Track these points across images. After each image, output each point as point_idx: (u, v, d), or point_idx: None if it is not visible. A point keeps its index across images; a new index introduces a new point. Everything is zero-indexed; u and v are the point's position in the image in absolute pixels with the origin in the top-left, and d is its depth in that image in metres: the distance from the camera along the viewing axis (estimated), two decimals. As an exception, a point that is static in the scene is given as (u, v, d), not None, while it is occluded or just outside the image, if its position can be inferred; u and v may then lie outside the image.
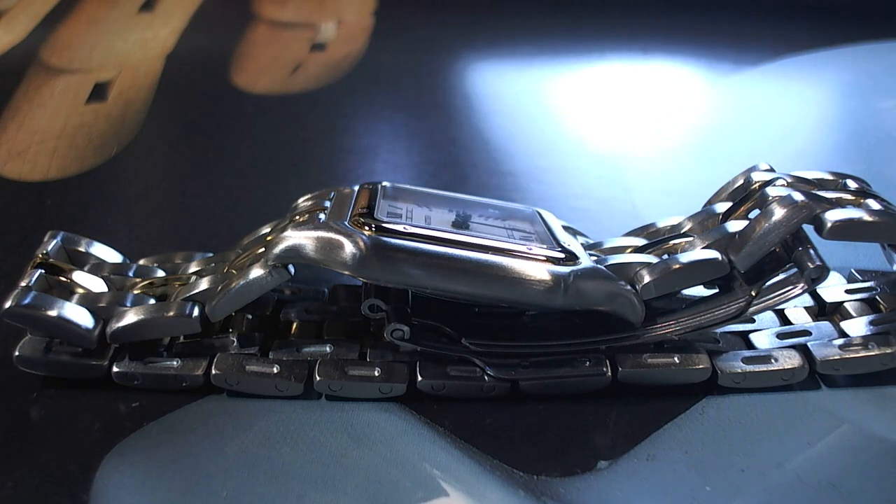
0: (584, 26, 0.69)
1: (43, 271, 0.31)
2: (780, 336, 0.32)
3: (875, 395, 0.30)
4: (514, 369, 0.30)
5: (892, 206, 0.31)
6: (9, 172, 0.47)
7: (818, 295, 0.33)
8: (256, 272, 0.29)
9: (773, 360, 0.30)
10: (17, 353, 0.30)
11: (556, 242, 0.30)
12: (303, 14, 0.72)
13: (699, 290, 0.31)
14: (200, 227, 0.42)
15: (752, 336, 0.32)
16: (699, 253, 0.30)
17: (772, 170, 0.32)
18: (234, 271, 0.31)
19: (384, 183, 0.34)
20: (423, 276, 0.28)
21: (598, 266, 0.29)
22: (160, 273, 0.34)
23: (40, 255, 0.32)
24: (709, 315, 0.30)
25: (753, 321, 0.32)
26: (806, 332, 0.32)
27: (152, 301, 0.31)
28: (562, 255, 0.29)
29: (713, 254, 0.29)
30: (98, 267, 0.33)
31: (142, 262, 0.35)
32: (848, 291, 0.34)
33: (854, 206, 0.30)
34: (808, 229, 0.29)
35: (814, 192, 0.30)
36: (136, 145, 0.51)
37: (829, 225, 0.28)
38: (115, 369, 0.30)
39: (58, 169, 0.48)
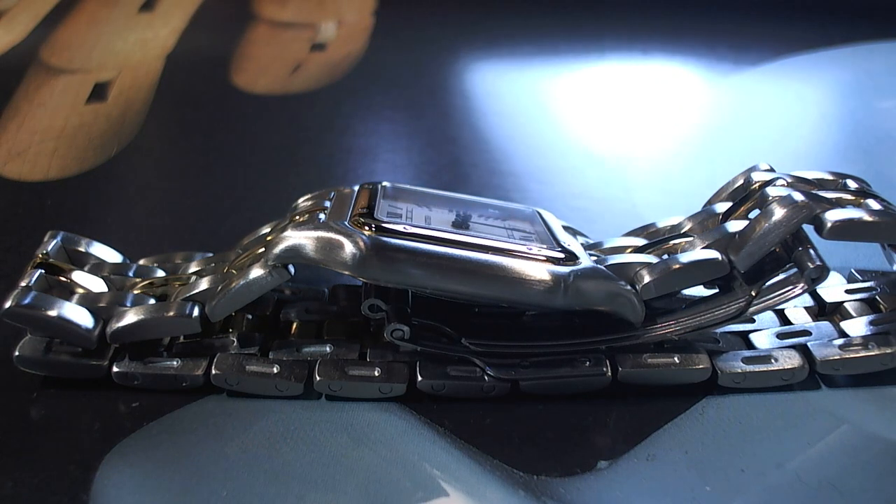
0: (584, 26, 0.69)
1: (43, 271, 0.31)
2: (780, 336, 0.32)
3: (875, 395, 0.30)
4: (514, 369, 0.30)
5: (892, 206, 0.31)
6: (9, 172, 0.47)
7: (818, 295, 0.33)
8: (256, 272, 0.29)
9: (773, 360, 0.30)
10: (17, 353, 0.30)
11: (556, 242, 0.30)
12: (303, 14, 0.72)
13: (699, 290, 0.31)
14: (200, 227, 0.42)
15: (752, 336, 0.32)
16: (699, 253, 0.30)
17: (772, 170, 0.32)
18: (234, 271, 0.31)
19: (384, 183, 0.34)
20: (423, 276, 0.28)
21: (598, 266, 0.29)
22: (160, 273, 0.34)
23: (40, 255, 0.32)
24: (709, 315, 0.30)
25: (753, 321, 0.32)
26: (806, 332, 0.32)
27: (152, 301, 0.31)
28: (562, 255, 0.29)
29: (713, 254, 0.29)
30: (98, 267, 0.33)
31: (142, 262, 0.35)
32: (848, 291, 0.34)
33: (854, 206, 0.30)
34: (809, 229, 0.29)
35: (814, 192, 0.30)
36: (136, 145, 0.51)
37: (829, 225, 0.28)
38: (115, 369, 0.30)
39: (58, 169, 0.48)
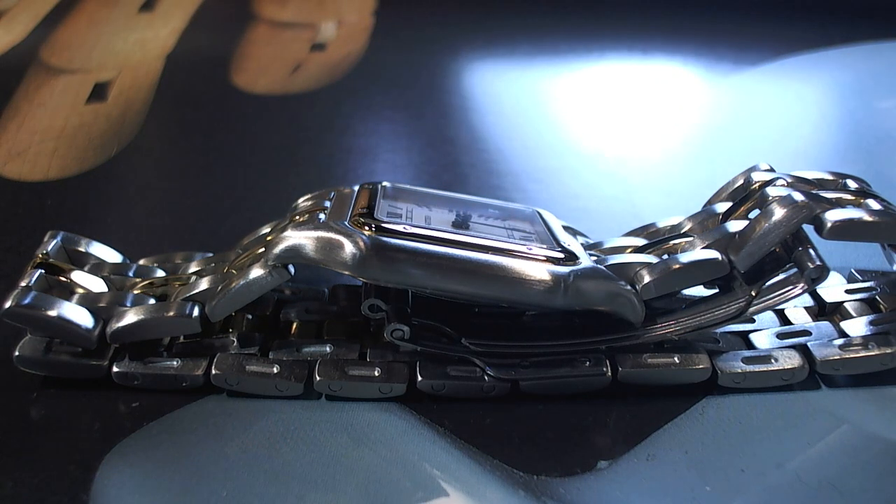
0: (584, 26, 0.69)
1: (43, 271, 0.31)
2: (780, 336, 0.32)
3: (875, 395, 0.30)
4: (514, 369, 0.30)
5: (892, 206, 0.31)
6: (9, 172, 0.47)
7: (818, 295, 0.33)
8: (256, 272, 0.29)
9: (773, 360, 0.30)
10: (17, 353, 0.30)
11: (556, 242, 0.30)
12: (303, 14, 0.72)
13: (699, 290, 0.31)
14: (200, 227, 0.42)
15: (752, 336, 0.32)
16: (699, 253, 0.30)
17: (772, 170, 0.32)
18: (234, 271, 0.31)
19: (384, 183, 0.34)
20: (423, 276, 0.28)
21: (598, 266, 0.29)
22: (160, 273, 0.34)
23: (40, 255, 0.32)
24: (709, 315, 0.30)
25: (753, 321, 0.32)
26: (806, 332, 0.32)
27: (152, 301, 0.31)
28: (562, 255, 0.29)
29: (713, 254, 0.29)
30: (98, 267, 0.33)
31: (142, 262, 0.35)
32: (848, 291, 0.34)
33: (854, 206, 0.30)
34: (809, 229, 0.29)
35: (814, 192, 0.30)
36: (136, 145, 0.51)
37: (829, 225, 0.28)
38: (115, 369, 0.30)
39: (58, 169, 0.48)
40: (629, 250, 0.32)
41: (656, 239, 0.32)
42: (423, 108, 0.56)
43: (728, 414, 0.29)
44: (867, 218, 0.29)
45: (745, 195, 0.31)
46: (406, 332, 0.29)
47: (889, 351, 0.30)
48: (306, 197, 0.34)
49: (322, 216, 0.31)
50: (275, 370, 0.30)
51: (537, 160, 0.50)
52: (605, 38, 0.67)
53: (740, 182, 0.32)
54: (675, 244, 0.31)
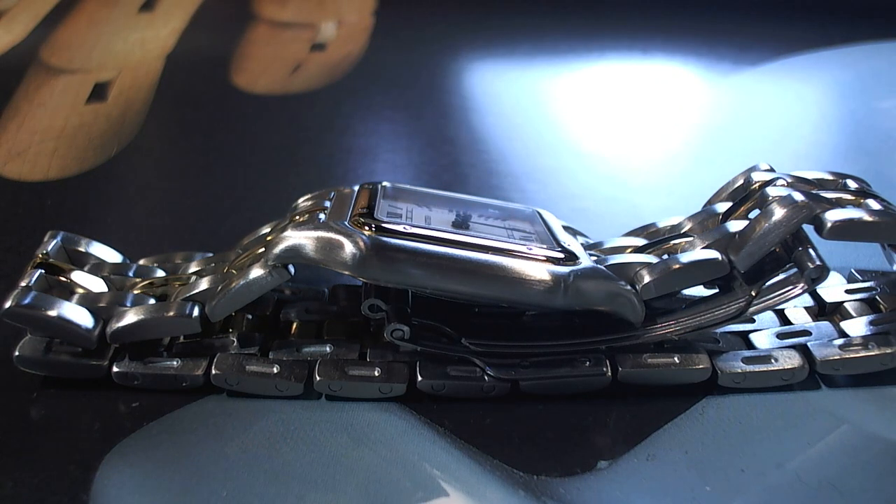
0: (584, 26, 0.69)
1: (43, 271, 0.31)
2: (780, 336, 0.32)
3: (875, 395, 0.30)
4: (514, 369, 0.30)
5: (892, 206, 0.31)
6: (9, 172, 0.47)
7: (818, 295, 0.33)
8: (256, 272, 0.29)
9: (773, 360, 0.30)
10: (17, 353, 0.30)
11: (556, 242, 0.30)
12: (303, 14, 0.72)
13: (699, 290, 0.31)
14: (200, 227, 0.42)
15: (752, 336, 0.32)
16: (699, 253, 0.30)
17: (772, 170, 0.32)
18: (234, 271, 0.31)
19: (384, 183, 0.34)
20: (423, 276, 0.28)
21: (598, 266, 0.29)
22: (160, 273, 0.34)
23: (40, 255, 0.32)
24: (709, 315, 0.30)
25: (753, 321, 0.32)
26: (806, 332, 0.32)
27: (152, 301, 0.31)
28: (562, 255, 0.29)
29: (713, 254, 0.29)
30: (98, 267, 0.33)
31: (142, 262, 0.35)
32: (848, 291, 0.34)
33: (854, 206, 0.30)
34: (809, 229, 0.29)
35: (814, 192, 0.30)
36: (136, 145, 0.51)
37: (829, 225, 0.28)
38: (115, 369, 0.30)
39: (58, 169, 0.48)
40: (629, 250, 0.32)
41: (656, 239, 0.32)
42: (423, 108, 0.56)
43: (728, 414, 0.29)
44: (867, 218, 0.29)
45: (745, 195, 0.31)
46: (406, 332, 0.29)
47: (889, 351, 0.30)
48: (306, 197, 0.34)
49: (322, 216, 0.31)
50: (275, 370, 0.30)
51: (537, 160, 0.50)
52: (604, 38, 0.67)
53: (740, 182, 0.32)
54: (675, 244, 0.31)
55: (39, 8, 0.70)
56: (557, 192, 0.46)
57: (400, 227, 0.29)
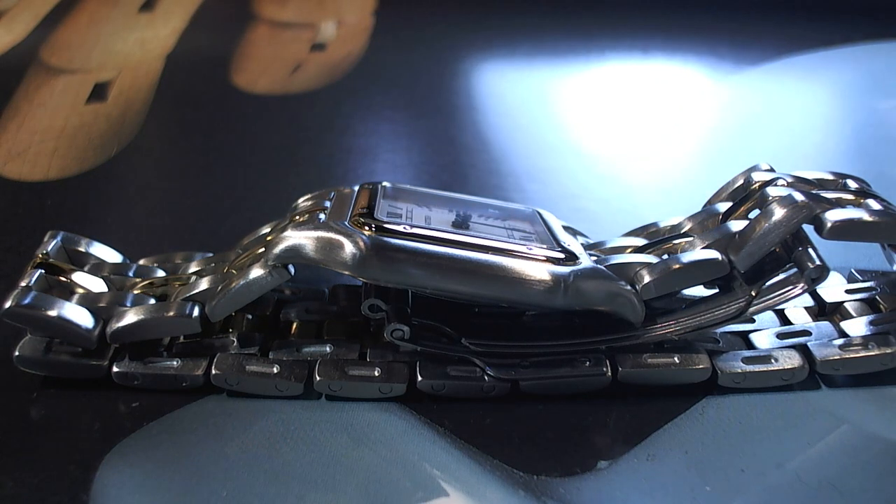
0: (584, 26, 0.69)
1: (43, 271, 0.31)
2: (780, 336, 0.32)
3: (875, 395, 0.30)
4: (514, 369, 0.30)
5: (892, 206, 0.31)
6: (9, 172, 0.47)
7: (818, 295, 0.33)
8: (256, 272, 0.29)
9: (773, 360, 0.30)
10: (17, 353, 0.30)
11: (556, 242, 0.30)
12: (303, 14, 0.72)
13: (699, 290, 0.31)
14: (200, 227, 0.42)
15: (752, 336, 0.32)
16: (699, 253, 0.30)
17: (772, 170, 0.32)
18: (234, 271, 0.31)
19: (384, 183, 0.34)
20: (423, 276, 0.28)
21: (598, 266, 0.29)
22: (160, 273, 0.34)
23: (40, 255, 0.32)
24: (709, 315, 0.30)
25: (753, 321, 0.32)
26: (806, 332, 0.32)
27: (152, 301, 0.31)
28: (562, 255, 0.29)
29: (713, 254, 0.29)
30: (98, 267, 0.33)
31: (142, 262, 0.35)
32: (848, 291, 0.34)
33: (854, 206, 0.30)
34: (809, 229, 0.29)
35: (814, 192, 0.30)
36: (136, 145, 0.51)
37: (829, 225, 0.28)
38: (115, 369, 0.30)
39: (58, 169, 0.48)
40: (629, 250, 0.32)
41: (656, 239, 0.32)
42: (423, 108, 0.56)
43: (728, 414, 0.29)
44: (867, 218, 0.29)
45: (746, 195, 0.31)
46: (406, 332, 0.29)
47: (889, 351, 0.30)
48: (306, 197, 0.34)
49: (322, 216, 0.31)
50: (275, 370, 0.30)
51: (537, 160, 0.50)
52: (604, 37, 0.67)
53: (740, 182, 0.32)
54: (675, 244, 0.31)
55: (39, 8, 0.70)
56: (557, 192, 0.46)
57: (400, 227, 0.29)
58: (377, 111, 0.56)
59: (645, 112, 0.56)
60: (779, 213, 0.28)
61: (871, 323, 0.32)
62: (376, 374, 0.30)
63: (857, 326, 0.32)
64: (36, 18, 0.68)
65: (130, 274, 0.33)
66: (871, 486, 0.26)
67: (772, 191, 0.30)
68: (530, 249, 0.29)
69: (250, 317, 0.33)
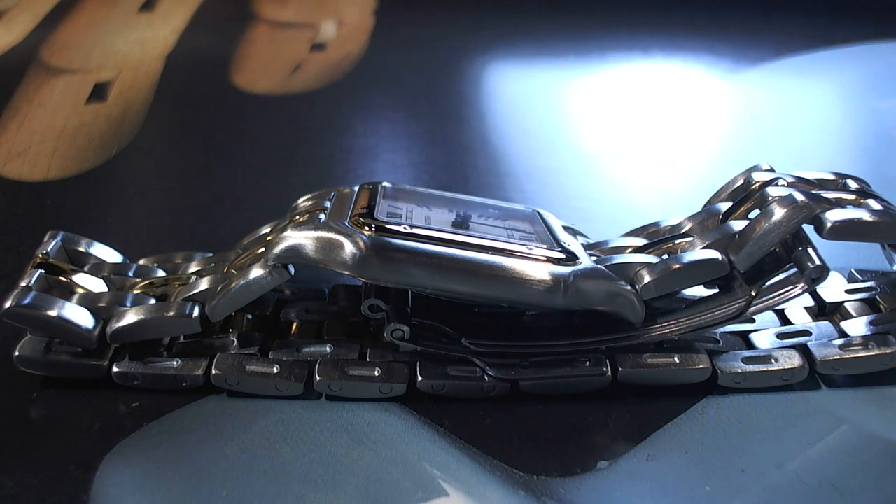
0: (585, 27, 0.69)
1: (43, 271, 0.31)
2: (780, 336, 0.32)
3: (875, 395, 0.30)
4: (514, 369, 0.30)
5: (892, 206, 0.31)
6: (9, 172, 0.47)
7: (818, 295, 0.33)
8: (256, 272, 0.29)
9: (773, 360, 0.30)
10: (17, 353, 0.30)
11: (556, 242, 0.30)
12: (303, 14, 0.72)
13: (699, 290, 0.31)
14: (200, 227, 0.42)
15: (752, 336, 0.32)
16: (699, 253, 0.30)
17: (772, 170, 0.32)
18: (234, 271, 0.31)
19: (384, 183, 0.34)
20: (423, 276, 0.28)
21: (598, 266, 0.29)
22: (160, 273, 0.34)
23: (40, 255, 0.32)
24: (709, 315, 0.30)
25: (753, 321, 0.32)
26: (806, 332, 0.32)
27: (152, 301, 0.31)
28: (562, 256, 0.29)
29: (713, 254, 0.29)
30: (98, 267, 0.33)
31: (142, 262, 0.35)
32: (848, 291, 0.34)
33: (854, 206, 0.30)
34: (809, 229, 0.29)
35: (814, 192, 0.30)
36: (136, 145, 0.51)
37: (829, 225, 0.28)
38: (115, 369, 0.30)
39: (58, 169, 0.48)
40: (629, 250, 0.32)
41: (656, 239, 0.32)
42: (423, 108, 0.56)
43: (728, 414, 0.29)
44: (867, 218, 0.29)
45: (746, 195, 0.31)
46: (406, 332, 0.29)
47: (889, 351, 0.30)
48: (306, 197, 0.34)
49: (322, 216, 0.31)
50: (275, 370, 0.30)
51: (537, 160, 0.50)
52: (604, 38, 0.67)
53: (740, 182, 0.32)
54: (675, 244, 0.31)
55: (39, 8, 0.70)
56: (557, 192, 0.46)
57: (400, 227, 0.29)
58: (377, 111, 0.56)
59: (645, 112, 0.56)
60: (779, 213, 0.28)
61: (871, 323, 0.32)
62: (376, 374, 0.30)
63: (857, 326, 0.32)
64: (36, 18, 0.68)
65: (130, 274, 0.33)
66: (871, 486, 0.26)
67: (772, 191, 0.30)
68: (530, 249, 0.29)
69: (250, 317, 0.33)
